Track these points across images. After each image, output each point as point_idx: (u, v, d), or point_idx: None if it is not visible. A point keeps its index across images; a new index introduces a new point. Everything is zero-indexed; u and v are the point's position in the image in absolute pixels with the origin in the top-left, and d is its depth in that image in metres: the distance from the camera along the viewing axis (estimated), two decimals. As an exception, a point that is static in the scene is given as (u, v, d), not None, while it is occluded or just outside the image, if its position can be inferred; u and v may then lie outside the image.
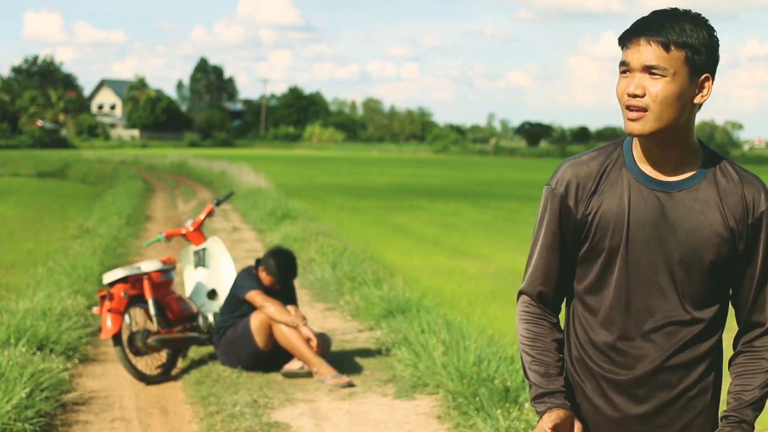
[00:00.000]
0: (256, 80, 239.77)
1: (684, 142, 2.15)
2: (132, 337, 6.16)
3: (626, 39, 2.11)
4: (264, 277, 6.45)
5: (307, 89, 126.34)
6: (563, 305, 2.33)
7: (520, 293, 2.31)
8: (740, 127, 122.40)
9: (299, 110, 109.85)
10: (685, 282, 2.14)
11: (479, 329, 6.59)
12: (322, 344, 6.37)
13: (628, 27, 2.13)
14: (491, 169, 49.24)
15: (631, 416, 2.20)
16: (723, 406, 2.25)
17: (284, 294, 6.57)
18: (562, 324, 2.31)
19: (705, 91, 2.12)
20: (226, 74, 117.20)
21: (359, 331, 7.71)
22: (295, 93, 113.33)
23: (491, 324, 6.84)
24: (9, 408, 4.74)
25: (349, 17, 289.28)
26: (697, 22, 2.09)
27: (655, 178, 2.16)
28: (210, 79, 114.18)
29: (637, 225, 2.14)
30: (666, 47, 2.06)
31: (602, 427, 2.22)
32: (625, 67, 2.10)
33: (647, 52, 2.07)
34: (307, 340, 6.19)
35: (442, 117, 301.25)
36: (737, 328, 2.28)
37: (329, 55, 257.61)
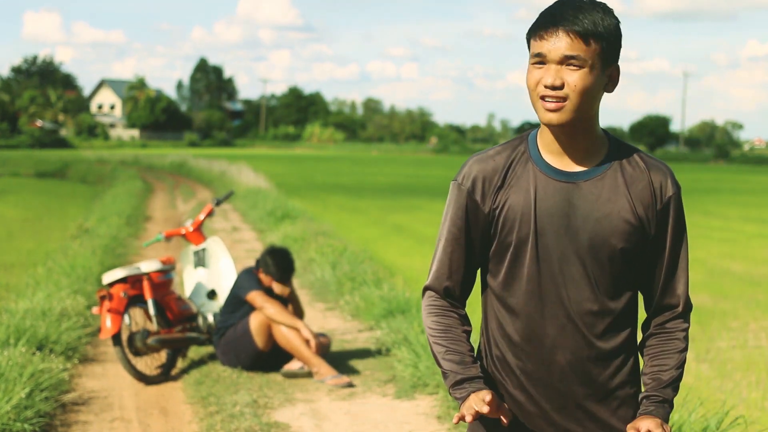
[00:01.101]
0: (256, 80, 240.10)
1: (591, 131, 2.17)
2: (132, 337, 6.16)
3: (541, 29, 2.10)
4: (263, 277, 6.45)
5: (307, 89, 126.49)
6: (480, 302, 2.34)
7: (426, 289, 2.31)
8: (740, 127, 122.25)
9: (299, 110, 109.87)
10: (596, 271, 2.15)
11: (479, 329, 6.58)
12: (322, 345, 6.37)
13: (537, 18, 2.12)
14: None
15: (551, 410, 2.21)
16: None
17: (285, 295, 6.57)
18: (473, 320, 2.33)
19: (615, 80, 2.16)
20: (226, 74, 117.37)
21: (359, 331, 7.71)
22: (295, 93, 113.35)
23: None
24: (8, 408, 4.73)
25: (348, 17, 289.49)
26: (606, 11, 2.11)
27: (561, 170, 2.17)
28: (210, 79, 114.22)
29: (545, 217, 2.15)
30: (585, 39, 2.08)
31: (527, 423, 2.22)
32: (540, 58, 2.10)
33: (566, 43, 2.07)
34: (306, 342, 6.18)
35: (442, 117, 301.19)
36: (645, 316, 2.29)
37: (329, 55, 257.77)
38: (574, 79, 2.08)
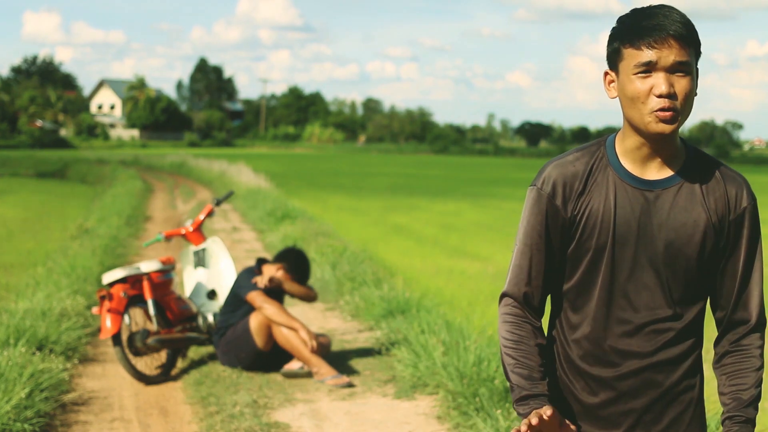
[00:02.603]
0: (256, 80, 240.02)
1: (676, 139, 2.18)
2: (131, 337, 6.15)
3: (646, 37, 2.08)
4: (268, 268, 6.47)
5: (307, 89, 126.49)
6: (548, 306, 2.33)
7: (503, 295, 2.29)
8: (740, 127, 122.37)
9: (299, 110, 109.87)
10: (670, 279, 2.16)
11: (479, 329, 6.59)
12: (322, 345, 6.37)
13: (629, 24, 2.10)
14: (491, 169, 49.23)
15: (617, 415, 2.21)
16: (707, 404, 2.25)
17: (284, 294, 6.57)
18: (545, 326, 2.31)
19: (697, 87, 2.17)
20: (226, 74, 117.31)
21: (359, 331, 7.71)
22: (295, 93, 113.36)
23: (491, 324, 6.83)
24: (8, 408, 4.73)
25: (348, 17, 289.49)
26: (686, 17, 2.12)
27: (639, 177, 2.17)
28: (210, 79, 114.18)
29: (623, 224, 2.15)
30: (689, 45, 2.09)
31: (593, 425, 2.23)
32: (647, 67, 2.08)
33: (676, 49, 2.07)
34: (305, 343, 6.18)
35: (441, 117, 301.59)
36: (716, 329, 2.29)
37: (328, 55, 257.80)
38: (683, 86, 2.08)
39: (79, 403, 5.56)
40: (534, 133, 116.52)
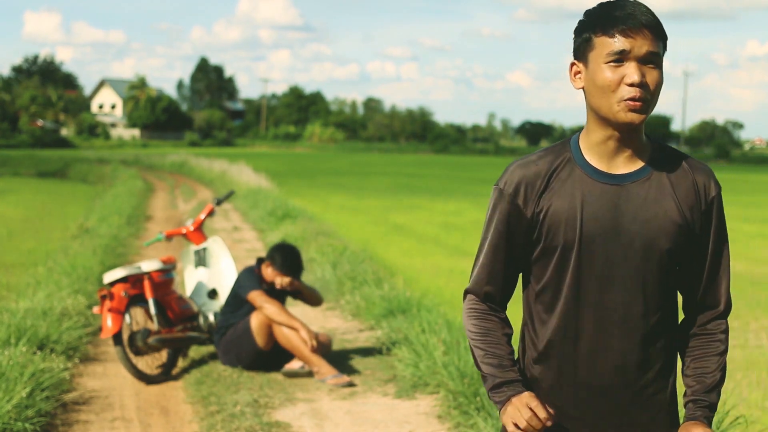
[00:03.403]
0: (256, 80, 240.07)
1: (640, 133, 2.18)
2: (132, 336, 6.16)
3: (621, 25, 2.08)
4: (269, 273, 6.45)
5: (307, 89, 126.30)
6: (520, 305, 2.33)
7: (467, 292, 2.31)
8: (741, 126, 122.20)
9: (300, 110, 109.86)
10: (645, 273, 2.15)
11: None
12: (323, 344, 6.37)
13: (602, 15, 2.10)
14: (492, 168, 49.23)
15: (592, 414, 2.20)
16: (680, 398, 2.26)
17: (286, 292, 6.57)
18: (515, 323, 2.32)
19: None
20: (226, 74, 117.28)
21: (360, 330, 7.71)
22: (295, 93, 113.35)
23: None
24: (9, 407, 4.73)
25: (348, 17, 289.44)
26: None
27: (606, 172, 2.17)
28: (210, 79, 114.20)
29: (591, 220, 2.14)
30: (660, 38, 2.10)
31: (565, 425, 2.22)
32: (620, 56, 2.08)
33: (650, 40, 2.08)
34: (305, 343, 6.18)
35: (442, 117, 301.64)
36: (684, 314, 2.30)
37: (329, 55, 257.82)
38: (654, 77, 2.09)
39: (80, 402, 5.57)
40: (534, 132, 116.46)
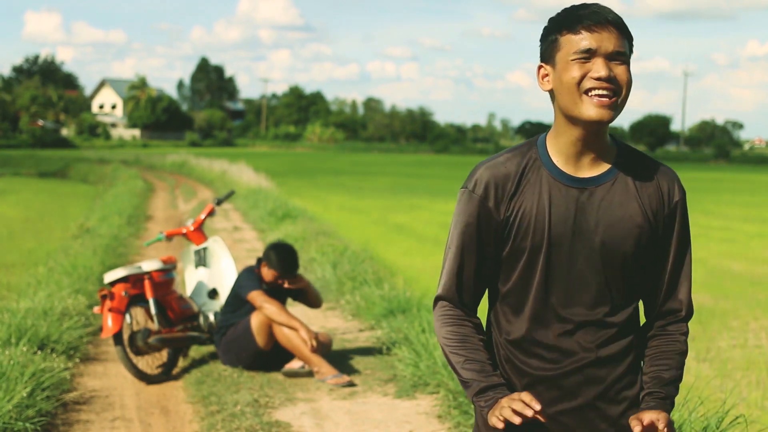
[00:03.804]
0: (257, 80, 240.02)
1: (605, 135, 2.18)
2: (133, 336, 6.16)
3: (587, 23, 2.09)
4: (266, 272, 6.45)
5: (307, 89, 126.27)
6: (486, 307, 2.33)
7: (437, 299, 2.29)
8: (740, 126, 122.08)
9: (300, 110, 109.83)
10: (609, 276, 2.16)
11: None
12: (323, 344, 6.37)
13: (567, 16, 2.11)
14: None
15: (563, 411, 2.21)
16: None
17: (288, 293, 6.58)
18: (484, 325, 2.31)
19: None
20: (227, 74, 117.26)
21: (360, 330, 7.71)
22: (296, 92, 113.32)
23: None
24: (10, 407, 4.74)
25: (348, 17, 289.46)
26: None
27: (572, 176, 2.17)
28: (211, 79, 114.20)
29: (558, 223, 2.15)
30: (626, 36, 2.11)
31: (536, 424, 2.20)
32: (587, 54, 2.08)
33: (615, 37, 2.09)
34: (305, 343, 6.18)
35: (442, 117, 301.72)
36: (645, 317, 2.31)
37: (329, 55, 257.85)
38: (622, 73, 2.09)
39: (81, 402, 5.57)
40: (534, 132, 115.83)
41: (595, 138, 2.15)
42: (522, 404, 2.06)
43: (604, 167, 2.17)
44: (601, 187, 2.16)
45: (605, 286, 2.16)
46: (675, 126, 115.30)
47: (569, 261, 2.15)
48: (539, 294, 2.17)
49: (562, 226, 2.14)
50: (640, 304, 2.28)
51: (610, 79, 2.08)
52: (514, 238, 2.17)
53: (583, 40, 2.09)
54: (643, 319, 2.29)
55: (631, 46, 2.14)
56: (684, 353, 2.24)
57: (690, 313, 2.26)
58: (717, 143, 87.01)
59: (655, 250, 2.20)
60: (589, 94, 2.09)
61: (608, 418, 2.21)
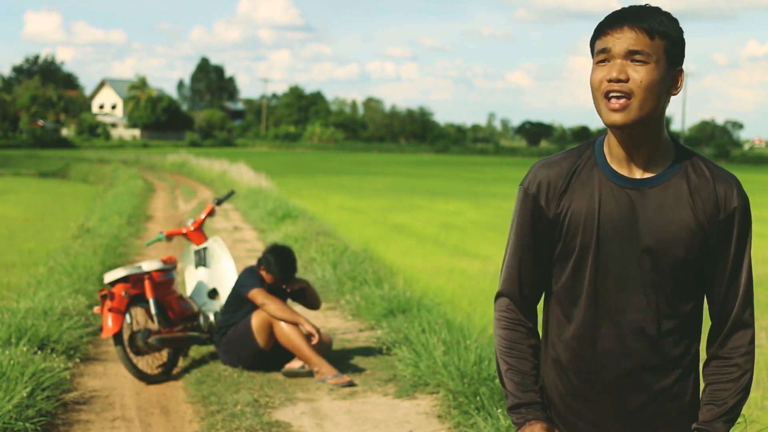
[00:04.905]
0: (257, 80, 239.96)
1: (657, 136, 2.15)
2: (133, 336, 6.16)
3: (606, 27, 2.09)
4: (266, 276, 6.46)
5: (307, 89, 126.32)
6: (541, 304, 2.33)
7: (499, 295, 2.30)
8: (740, 126, 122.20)
9: (300, 110, 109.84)
10: (658, 279, 2.13)
11: (480, 329, 6.59)
12: (324, 343, 6.38)
13: (601, 21, 2.12)
14: (492, 168, 49.23)
15: (606, 417, 2.19)
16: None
17: (287, 294, 6.58)
18: (539, 326, 2.31)
19: (679, 83, 2.13)
20: (227, 74, 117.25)
21: (360, 330, 7.71)
22: (296, 92, 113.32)
23: (492, 323, 6.83)
24: (10, 407, 4.74)
25: (348, 17, 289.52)
26: (670, 17, 2.11)
27: (626, 176, 2.16)
28: (211, 79, 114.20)
29: (608, 223, 2.14)
30: (650, 34, 2.07)
31: (578, 427, 2.21)
32: (605, 55, 2.08)
33: (631, 37, 2.07)
34: (309, 336, 6.18)
35: (442, 117, 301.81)
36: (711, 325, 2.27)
37: (329, 55, 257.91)
38: (640, 74, 2.06)
39: (81, 402, 5.57)
40: (535, 132, 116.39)
41: (638, 139, 2.12)
42: None
43: (659, 169, 2.15)
44: (654, 189, 2.14)
45: (653, 290, 2.13)
46: (675, 126, 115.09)
47: (619, 262, 2.14)
48: (589, 294, 2.16)
49: (611, 226, 2.13)
50: (702, 313, 2.24)
51: (621, 80, 2.06)
52: (564, 236, 2.18)
53: (601, 42, 2.10)
54: (706, 327, 2.25)
55: (672, 45, 2.08)
56: (741, 377, 2.17)
57: (748, 323, 2.19)
58: (717, 143, 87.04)
59: (708, 256, 2.15)
60: (608, 97, 2.09)
61: (653, 426, 2.19)
